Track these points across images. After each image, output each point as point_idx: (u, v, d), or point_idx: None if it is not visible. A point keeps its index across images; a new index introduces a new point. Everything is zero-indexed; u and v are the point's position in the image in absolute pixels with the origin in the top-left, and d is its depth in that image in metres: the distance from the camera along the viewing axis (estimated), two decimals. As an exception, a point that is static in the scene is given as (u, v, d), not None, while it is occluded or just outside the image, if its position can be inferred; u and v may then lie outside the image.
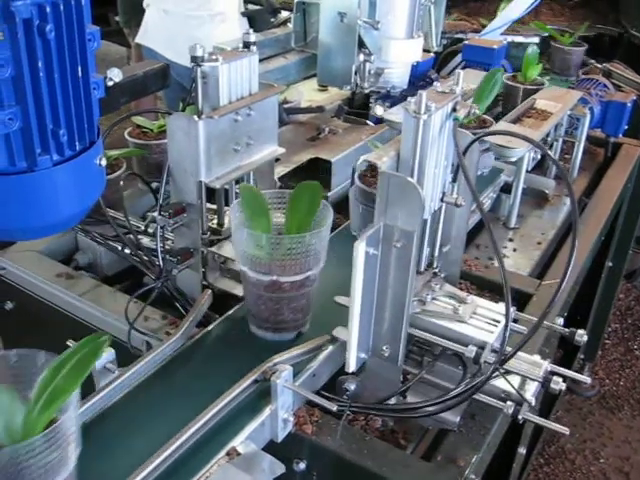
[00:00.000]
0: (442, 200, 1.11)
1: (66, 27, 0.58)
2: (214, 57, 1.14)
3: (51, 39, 0.57)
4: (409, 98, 0.97)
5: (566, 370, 1.14)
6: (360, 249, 0.95)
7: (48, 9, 0.56)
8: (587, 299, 2.46)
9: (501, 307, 1.16)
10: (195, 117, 1.13)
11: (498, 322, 1.12)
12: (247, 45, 1.21)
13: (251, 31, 1.22)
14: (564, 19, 3.40)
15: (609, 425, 2.71)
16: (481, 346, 1.07)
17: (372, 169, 1.31)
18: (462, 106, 1.02)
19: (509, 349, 1.02)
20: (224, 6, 2.76)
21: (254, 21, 2.87)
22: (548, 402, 2.50)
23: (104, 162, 0.67)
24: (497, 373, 0.99)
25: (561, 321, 1.49)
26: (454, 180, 1.10)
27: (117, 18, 5.32)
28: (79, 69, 0.60)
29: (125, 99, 1.09)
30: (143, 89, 1.15)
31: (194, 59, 1.12)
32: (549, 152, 1.03)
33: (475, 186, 1.14)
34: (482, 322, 1.12)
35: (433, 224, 1.17)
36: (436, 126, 0.99)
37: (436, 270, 1.21)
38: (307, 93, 2.36)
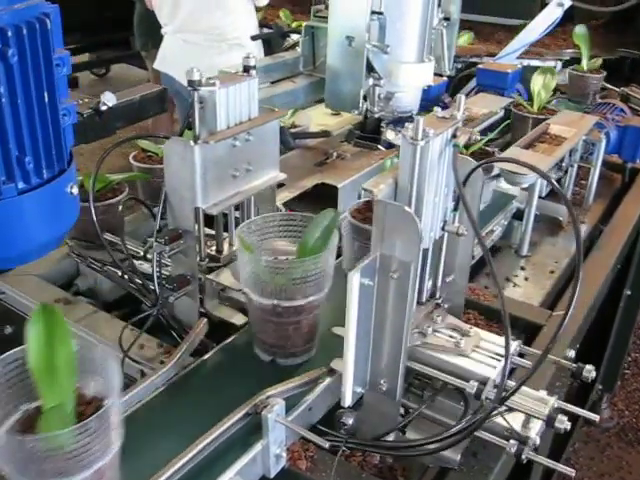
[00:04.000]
0: (443, 229, 1.08)
1: (30, 52, 0.56)
2: (211, 81, 1.12)
3: (14, 64, 0.55)
4: (407, 124, 0.94)
5: (574, 407, 1.10)
6: (354, 280, 0.92)
7: (10, 33, 0.54)
8: (605, 328, 2.39)
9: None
10: (191, 142, 1.11)
11: (502, 356, 1.08)
12: (247, 69, 1.20)
13: (252, 55, 1.21)
14: (570, 43, 3.34)
15: (628, 459, 2.62)
16: (483, 381, 1.03)
17: (367, 203, 1.29)
18: (463, 132, 0.99)
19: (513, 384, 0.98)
20: (242, 34, 2.77)
21: (270, 45, 2.88)
22: (564, 434, 2.42)
23: (75, 190, 0.64)
24: (496, 412, 0.94)
25: (572, 353, 1.44)
26: (456, 209, 1.07)
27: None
28: (45, 95, 0.58)
29: (120, 123, 1.07)
30: (140, 113, 1.14)
31: (191, 83, 1.11)
32: (553, 181, 1.00)
33: (477, 216, 1.11)
34: (485, 356, 1.08)
35: (435, 253, 1.13)
36: (435, 153, 0.96)
37: (439, 301, 1.17)
38: (319, 117, 2.34)
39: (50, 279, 1.49)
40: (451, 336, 1.11)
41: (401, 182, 0.96)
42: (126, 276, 1.33)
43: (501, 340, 1.12)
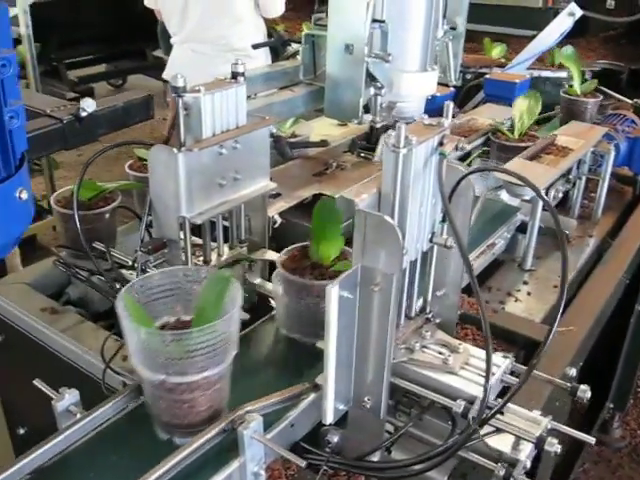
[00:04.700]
0: (431, 241, 1.04)
1: (-32, 51, 0.53)
2: (197, 88, 1.10)
3: (-54, 63, 0.52)
4: (389, 131, 0.90)
5: (569, 429, 1.05)
6: (333, 293, 0.89)
7: (-58, 31, 0.52)
8: (616, 345, 2.33)
9: (497, 357, 1.07)
10: (174, 150, 1.09)
11: (492, 374, 1.04)
12: (235, 76, 1.17)
13: (240, 62, 1.18)
14: (599, 54, 3.29)
15: (640, 480, 2.54)
16: (470, 400, 0.99)
17: (301, 249, 1.21)
18: (449, 140, 0.95)
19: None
20: (250, 44, 2.76)
21: (278, 54, 2.86)
22: (572, 452, 2.36)
23: (25, 195, 0.62)
24: (481, 433, 0.90)
25: (573, 372, 1.39)
26: (444, 220, 1.03)
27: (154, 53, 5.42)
28: (-14, 96, 0.56)
29: (103, 130, 1.05)
30: (124, 120, 1.11)
31: (175, 89, 1.08)
32: (542, 194, 0.96)
33: (468, 228, 1.07)
34: (473, 374, 1.04)
35: (425, 266, 1.09)
36: (419, 161, 0.93)
37: (429, 315, 1.13)
38: (325, 128, 2.32)
39: (41, 288, 1.47)
40: (440, 352, 1.07)
41: (384, 191, 0.93)
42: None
43: (493, 358, 1.08)
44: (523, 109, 1.89)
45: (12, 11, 3.18)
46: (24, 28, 3.37)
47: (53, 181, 3.72)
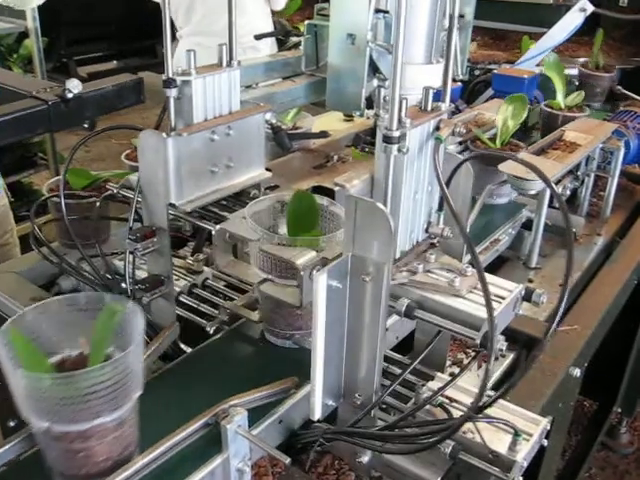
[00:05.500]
0: (427, 231, 1.00)
1: None
2: (188, 71, 1.07)
3: None
4: (382, 112, 0.86)
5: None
6: (320, 281, 0.85)
7: None
8: (626, 347, 2.27)
9: (510, 284, 0.98)
10: (164, 134, 1.05)
11: (503, 299, 0.95)
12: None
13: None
14: (629, 53, 3.21)
15: (648, 487, 2.48)
16: (479, 326, 0.90)
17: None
18: (446, 124, 0.91)
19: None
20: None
21: (284, 45, 2.83)
22: (578, 457, 2.30)
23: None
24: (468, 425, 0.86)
25: (577, 372, 1.35)
26: (440, 208, 0.98)
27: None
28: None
29: (91, 113, 1.02)
30: (113, 104, 1.08)
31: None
32: (552, 184, 0.91)
33: (466, 217, 1.03)
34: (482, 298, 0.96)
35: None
36: (413, 145, 0.89)
37: (434, 240, 1.05)
38: (332, 123, 2.29)
39: (33, 278, 1.45)
40: (445, 276, 0.98)
41: (376, 176, 0.89)
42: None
43: (504, 282, 0.97)
44: (508, 114, 1.72)
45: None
46: (31, 22, 3.36)
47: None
